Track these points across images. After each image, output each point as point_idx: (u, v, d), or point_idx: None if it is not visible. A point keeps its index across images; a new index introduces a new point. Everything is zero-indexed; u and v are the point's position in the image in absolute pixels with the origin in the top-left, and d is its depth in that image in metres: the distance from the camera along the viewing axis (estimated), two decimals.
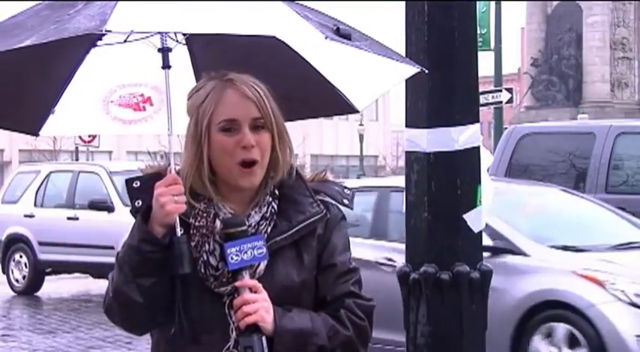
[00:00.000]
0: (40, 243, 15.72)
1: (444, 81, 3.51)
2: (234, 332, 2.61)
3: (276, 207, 2.70)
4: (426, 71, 2.99)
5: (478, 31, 5.26)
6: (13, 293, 15.80)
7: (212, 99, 2.66)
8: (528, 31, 47.53)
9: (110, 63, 3.09)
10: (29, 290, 15.80)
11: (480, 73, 3.74)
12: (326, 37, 2.60)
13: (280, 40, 2.87)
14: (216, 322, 2.63)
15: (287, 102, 2.77)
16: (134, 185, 2.68)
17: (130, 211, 2.71)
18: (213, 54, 3.05)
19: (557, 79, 45.20)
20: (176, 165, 2.70)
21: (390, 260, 8.34)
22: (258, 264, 2.63)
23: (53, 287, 16.27)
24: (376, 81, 3.06)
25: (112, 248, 14.17)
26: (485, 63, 30.80)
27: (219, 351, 2.62)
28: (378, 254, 8.54)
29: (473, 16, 3.65)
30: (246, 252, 2.58)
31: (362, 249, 8.25)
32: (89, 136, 25.95)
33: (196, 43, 3.06)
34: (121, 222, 14.35)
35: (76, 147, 30.81)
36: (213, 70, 2.74)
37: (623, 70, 46.19)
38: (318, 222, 2.71)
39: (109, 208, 14.85)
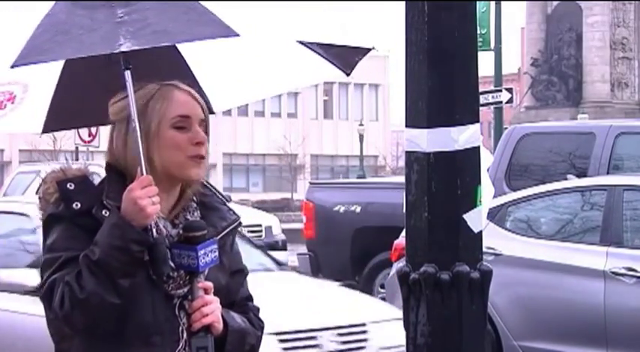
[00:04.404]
0: None
1: (443, 81, 3.51)
2: (184, 334, 2.65)
3: (199, 214, 2.78)
4: (348, 73, 3.08)
5: (478, 31, 5.25)
6: None
7: (161, 98, 2.71)
8: (528, 31, 47.50)
9: None
10: None
11: (480, 73, 3.74)
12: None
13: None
14: (167, 324, 2.67)
15: None
16: (69, 186, 2.68)
17: (51, 214, 2.67)
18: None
19: (557, 79, 45.18)
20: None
21: (631, 269, 7.33)
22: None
23: None
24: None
25: None
26: (485, 63, 30.91)
27: None
28: (613, 262, 7.45)
29: (473, 16, 3.65)
30: (208, 255, 2.65)
31: (590, 256, 7.53)
32: (89, 136, 25.90)
33: None
34: None
35: (76, 147, 30.77)
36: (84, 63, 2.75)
37: (623, 70, 46.17)
38: (236, 228, 2.82)
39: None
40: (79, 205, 2.65)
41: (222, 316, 2.69)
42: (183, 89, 2.74)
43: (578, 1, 44.98)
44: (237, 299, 2.83)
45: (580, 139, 11.55)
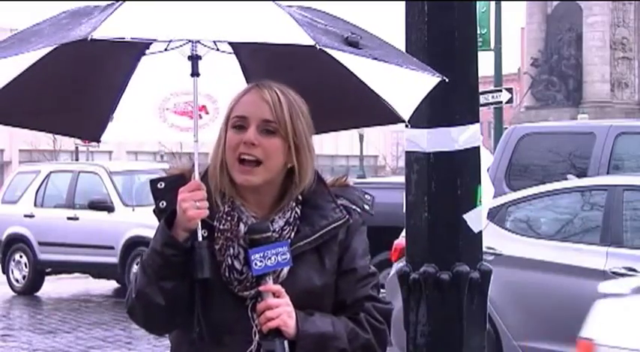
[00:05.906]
0: (40, 243, 15.72)
1: (443, 81, 3.51)
2: (256, 336, 2.64)
3: (299, 212, 2.73)
4: (447, 80, 2.99)
5: (478, 31, 5.25)
6: (13, 293, 15.80)
7: (235, 98, 2.72)
8: (528, 31, 47.50)
9: (161, 71, 3.11)
10: (29, 290, 15.80)
11: (480, 73, 3.74)
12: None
13: (323, 50, 2.88)
14: (239, 324, 2.65)
15: (328, 110, 2.81)
16: (158, 186, 2.73)
17: (154, 211, 2.75)
18: (259, 62, 3.05)
19: (557, 79, 45.18)
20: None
21: (631, 269, 7.25)
22: (282, 269, 2.65)
23: (53, 287, 16.27)
24: (409, 91, 3.06)
25: (112, 248, 14.20)
26: (485, 63, 30.85)
27: None
28: (613, 263, 7.41)
29: (473, 16, 3.66)
30: (270, 258, 2.61)
31: (590, 256, 7.52)
32: None
33: (243, 51, 3.07)
34: (121, 222, 14.37)
35: (76, 147, 30.83)
36: (260, 78, 2.77)
37: (623, 70, 46.17)
38: (341, 227, 2.74)
39: (109, 208, 14.85)
40: (165, 204, 2.69)
41: (297, 319, 2.61)
42: (258, 89, 2.69)
43: (578, 1, 44.98)
44: (347, 299, 2.73)
45: (580, 139, 11.54)
